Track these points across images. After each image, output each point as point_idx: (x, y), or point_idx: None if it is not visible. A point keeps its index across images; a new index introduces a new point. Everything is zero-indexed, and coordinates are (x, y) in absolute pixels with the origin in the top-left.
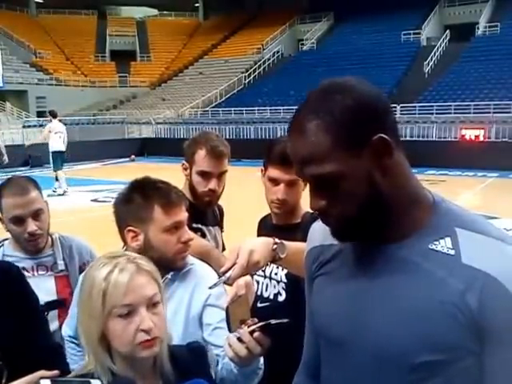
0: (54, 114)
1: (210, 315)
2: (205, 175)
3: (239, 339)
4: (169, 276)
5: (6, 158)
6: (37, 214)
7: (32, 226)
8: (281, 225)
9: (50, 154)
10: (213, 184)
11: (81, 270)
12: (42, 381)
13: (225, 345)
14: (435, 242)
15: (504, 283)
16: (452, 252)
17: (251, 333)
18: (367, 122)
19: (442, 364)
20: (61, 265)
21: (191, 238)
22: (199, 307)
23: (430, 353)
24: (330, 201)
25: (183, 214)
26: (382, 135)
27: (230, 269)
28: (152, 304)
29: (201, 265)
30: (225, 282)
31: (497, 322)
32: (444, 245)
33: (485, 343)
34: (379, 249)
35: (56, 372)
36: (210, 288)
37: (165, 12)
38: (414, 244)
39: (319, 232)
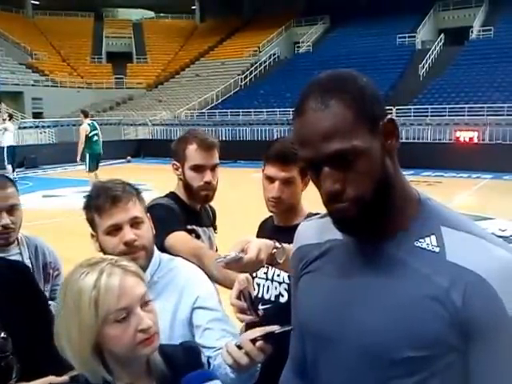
0: (10, 116)
1: (199, 317)
2: (198, 169)
3: (239, 347)
4: (155, 278)
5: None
6: (12, 209)
7: (6, 219)
8: (281, 226)
9: (5, 149)
10: (208, 176)
11: (43, 270)
12: None
13: (223, 352)
14: (421, 240)
15: (488, 280)
16: (437, 250)
17: (253, 341)
18: (379, 103)
19: (425, 360)
20: (27, 263)
21: (133, 238)
22: (187, 311)
23: (413, 349)
24: (345, 182)
25: (121, 216)
26: (392, 117)
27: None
28: (144, 302)
29: (188, 267)
30: (226, 284)
31: (481, 320)
32: (429, 242)
33: (469, 340)
34: (367, 246)
35: (65, 378)
36: (218, 261)
37: (161, 14)
38: (401, 241)
39: (307, 231)
